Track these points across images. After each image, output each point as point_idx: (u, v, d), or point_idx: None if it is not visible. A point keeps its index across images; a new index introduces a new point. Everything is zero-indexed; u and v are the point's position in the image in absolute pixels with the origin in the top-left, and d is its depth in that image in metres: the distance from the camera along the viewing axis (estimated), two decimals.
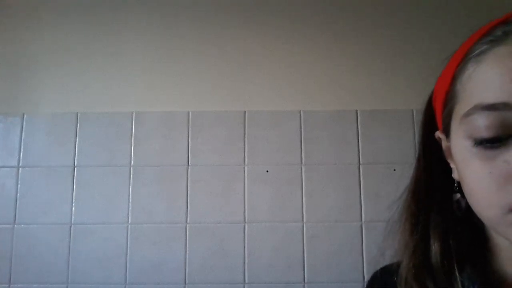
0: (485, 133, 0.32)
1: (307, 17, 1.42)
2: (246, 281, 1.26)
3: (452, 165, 0.41)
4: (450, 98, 0.37)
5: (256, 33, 1.41)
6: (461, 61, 0.36)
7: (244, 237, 1.29)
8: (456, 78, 0.37)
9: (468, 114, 0.34)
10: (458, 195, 0.40)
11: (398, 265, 0.44)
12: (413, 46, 1.39)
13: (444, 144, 0.41)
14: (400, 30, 1.40)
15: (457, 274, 0.38)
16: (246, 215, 1.30)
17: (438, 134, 0.42)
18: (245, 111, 1.36)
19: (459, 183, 0.39)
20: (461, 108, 0.35)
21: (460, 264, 0.39)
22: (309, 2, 1.43)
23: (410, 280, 0.40)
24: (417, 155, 0.45)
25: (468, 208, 0.37)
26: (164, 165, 1.33)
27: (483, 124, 0.32)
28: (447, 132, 0.39)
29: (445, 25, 1.39)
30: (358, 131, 1.34)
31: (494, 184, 0.32)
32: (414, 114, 1.34)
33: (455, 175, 0.40)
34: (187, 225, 1.30)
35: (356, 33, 1.41)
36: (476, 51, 0.34)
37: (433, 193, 0.42)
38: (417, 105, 1.32)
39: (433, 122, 0.44)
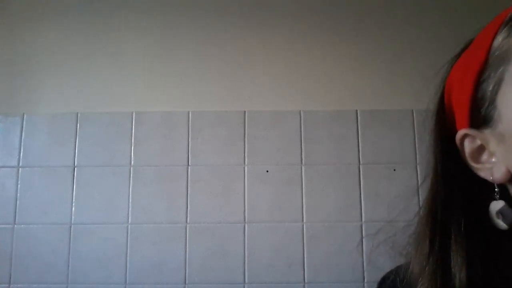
0: None
1: (307, 17, 1.42)
2: (246, 281, 1.26)
3: (487, 166, 0.35)
4: (493, 68, 0.34)
5: (256, 33, 1.41)
6: (498, 29, 0.34)
7: (244, 237, 1.29)
8: (496, 46, 0.34)
9: None
10: (502, 203, 0.34)
11: (406, 269, 0.41)
12: (413, 46, 1.39)
13: (470, 145, 0.36)
14: (400, 30, 1.40)
15: None
16: (246, 215, 1.30)
17: (465, 132, 0.36)
18: (245, 111, 1.36)
19: (501, 187, 0.34)
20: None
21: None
22: (309, 2, 1.43)
23: None
24: (432, 165, 0.39)
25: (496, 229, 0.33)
26: (164, 165, 1.33)
27: None
28: (484, 120, 0.35)
29: (445, 25, 1.39)
30: (358, 131, 1.34)
31: None
32: (414, 114, 1.34)
33: (496, 175, 0.34)
34: (187, 225, 1.30)
35: (356, 33, 1.41)
36: (505, 47, 0.33)
37: (455, 208, 0.37)
38: (417, 105, 1.33)
39: (449, 125, 0.39)
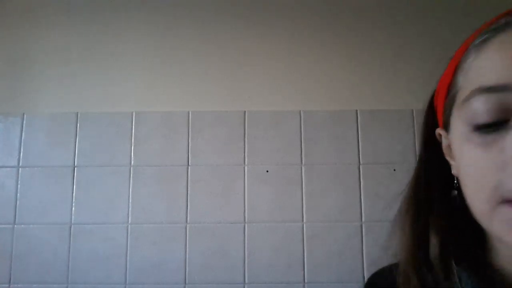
0: (482, 117, 0.31)
1: (307, 17, 1.42)
2: (246, 281, 1.26)
3: (452, 162, 0.41)
4: (451, 89, 0.38)
5: (256, 33, 1.41)
6: (463, 53, 0.37)
7: (244, 237, 1.29)
8: (458, 69, 0.37)
9: (467, 98, 0.33)
10: (455, 192, 0.40)
11: (396, 266, 0.44)
12: (413, 46, 1.39)
13: (444, 141, 0.42)
14: (400, 30, 1.40)
15: (454, 271, 0.38)
16: (246, 215, 1.30)
17: (439, 131, 0.42)
18: (245, 111, 1.36)
19: (457, 179, 0.39)
20: (461, 96, 0.35)
21: (458, 261, 0.39)
22: (309, 2, 1.43)
23: (409, 273, 0.41)
24: (418, 154, 0.46)
25: (466, 205, 0.37)
26: (164, 165, 1.33)
27: (481, 108, 0.32)
28: (447, 126, 0.39)
29: (445, 25, 1.39)
30: (358, 131, 1.34)
31: (487, 172, 0.31)
32: (414, 114, 1.34)
33: (454, 171, 0.40)
34: (187, 225, 1.30)
35: (356, 33, 1.41)
36: (478, 40, 0.35)
37: (433, 191, 0.42)
38: (417, 105, 1.33)
39: (435, 121, 0.44)
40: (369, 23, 1.41)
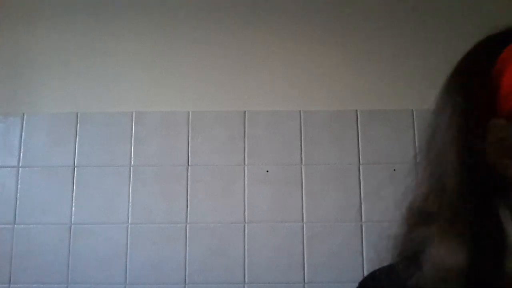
0: None
1: (307, 17, 1.42)
2: (246, 281, 1.26)
3: (505, 161, 0.32)
4: None
5: (256, 33, 1.41)
6: None
7: (244, 237, 1.29)
8: None
9: None
10: None
11: (387, 269, 0.42)
12: (412, 46, 1.39)
13: (497, 133, 0.33)
14: (400, 30, 1.40)
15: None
16: (246, 215, 1.30)
17: (498, 120, 0.33)
18: (245, 111, 1.36)
19: None
20: None
21: None
22: (309, 2, 1.43)
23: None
24: (458, 155, 0.35)
25: None
26: (164, 165, 1.33)
27: None
28: None
29: (445, 25, 1.39)
30: (358, 131, 1.34)
31: None
32: (414, 114, 1.34)
33: None
34: (187, 225, 1.30)
35: (357, 33, 1.41)
36: None
37: (470, 197, 0.34)
38: (417, 105, 1.33)
39: (489, 109, 0.34)
40: (369, 23, 1.41)
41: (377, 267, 0.45)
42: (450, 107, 0.35)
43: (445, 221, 0.34)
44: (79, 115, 1.37)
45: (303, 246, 1.28)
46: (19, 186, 1.32)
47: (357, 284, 0.47)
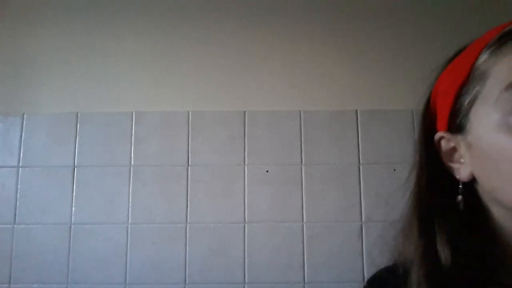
0: None
1: (307, 17, 1.42)
2: (246, 281, 1.26)
3: (456, 166, 0.41)
4: (471, 85, 0.38)
5: (256, 33, 1.41)
6: (476, 57, 0.38)
7: (244, 237, 1.29)
8: (474, 71, 0.38)
9: (507, 89, 0.34)
10: (460, 197, 0.41)
11: (389, 269, 0.44)
12: (413, 46, 1.39)
13: (445, 145, 0.42)
14: (400, 30, 1.40)
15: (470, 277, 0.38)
16: (246, 215, 1.30)
17: (441, 134, 0.42)
18: (245, 111, 1.36)
19: (464, 184, 0.40)
20: (494, 87, 0.36)
21: (470, 268, 0.38)
22: (309, 2, 1.43)
23: (420, 276, 0.40)
24: (417, 159, 0.45)
25: (471, 211, 0.38)
26: (164, 165, 1.33)
27: None
28: (458, 128, 0.40)
29: (445, 25, 1.39)
30: (358, 131, 1.34)
31: None
32: (414, 114, 1.34)
33: (462, 175, 0.40)
34: (187, 225, 1.30)
35: (357, 33, 1.41)
36: (502, 40, 0.36)
37: (437, 197, 0.42)
38: (417, 105, 1.33)
39: (432, 125, 0.44)
40: (369, 23, 1.41)
41: (383, 265, 0.49)
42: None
43: (410, 222, 0.43)
44: (79, 115, 1.37)
45: (303, 246, 1.28)
46: (19, 186, 1.32)
47: (364, 283, 0.48)
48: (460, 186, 0.41)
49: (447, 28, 1.38)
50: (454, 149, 0.41)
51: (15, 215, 1.31)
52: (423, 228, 0.42)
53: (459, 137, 0.40)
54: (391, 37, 1.40)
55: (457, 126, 0.40)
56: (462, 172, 0.41)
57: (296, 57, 1.39)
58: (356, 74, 1.38)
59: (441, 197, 0.42)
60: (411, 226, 0.43)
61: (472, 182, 0.41)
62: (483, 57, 0.38)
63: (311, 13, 1.42)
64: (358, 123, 1.35)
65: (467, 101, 0.39)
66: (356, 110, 1.36)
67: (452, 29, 1.37)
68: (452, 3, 1.41)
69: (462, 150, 0.41)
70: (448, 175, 0.42)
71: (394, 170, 1.31)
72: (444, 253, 0.40)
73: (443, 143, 0.42)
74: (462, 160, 0.41)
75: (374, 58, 1.39)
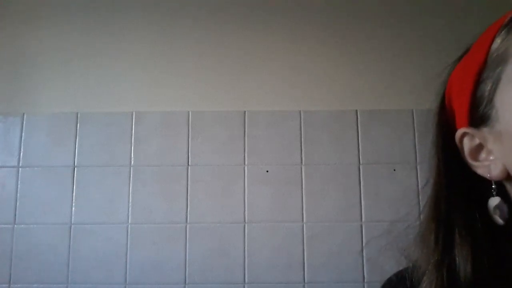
0: None
1: (307, 17, 1.42)
2: (246, 281, 1.26)
3: (485, 163, 0.37)
4: (491, 69, 0.35)
5: (256, 33, 1.41)
6: (495, 34, 0.35)
7: (244, 237, 1.29)
8: (494, 49, 0.35)
9: None
10: (498, 199, 0.36)
11: (401, 274, 0.42)
12: (413, 46, 1.39)
13: (469, 142, 0.38)
14: (400, 30, 1.40)
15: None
16: (246, 215, 1.30)
17: (463, 130, 0.38)
18: (245, 111, 1.36)
19: (498, 184, 0.36)
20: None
21: (492, 286, 0.35)
22: (309, 2, 1.43)
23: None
24: (435, 163, 0.41)
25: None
26: (164, 165, 1.33)
27: None
28: (482, 119, 0.36)
29: (445, 25, 1.39)
30: (358, 131, 1.34)
31: None
32: (414, 114, 1.34)
33: (494, 173, 0.36)
34: (187, 225, 1.30)
35: (357, 33, 1.41)
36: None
37: (459, 205, 0.38)
38: (417, 105, 1.33)
39: (450, 124, 0.41)
40: (369, 23, 1.41)
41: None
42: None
43: (427, 231, 0.40)
44: (79, 115, 1.37)
45: (303, 246, 1.28)
46: (19, 186, 1.32)
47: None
48: (493, 186, 0.36)
49: (447, 28, 1.38)
50: (480, 146, 0.37)
51: (15, 215, 1.31)
52: (441, 237, 0.38)
53: (484, 130, 0.36)
54: (391, 37, 1.40)
55: (480, 117, 0.36)
56: (493, 169, 0.36)
57: (296, 57, 1.39)
58: (356, 74, 1.38)
59: (463, 204, 0.38)
60: (428, 235, 0.39)
61: (502, 183, 0.36)
62: (499, 39, 0.35)
63: (311, 13, 1.42)
64: (358, 123, 1.35)
65: (489, 86, 0.35)
66: (356, 110, 1.36)
67: (452, 29, 1.37)
68: (452, 3, 1.41)
69: (490, 144, 0.36)
70: (471, 179, 0.38)
71: (394, 170, 1.31)
72: (464, 267, 0.35)
73: (466, 141, 0.38)
74: (491, 157, 0.36)
75: (374, 58, 1.39)
